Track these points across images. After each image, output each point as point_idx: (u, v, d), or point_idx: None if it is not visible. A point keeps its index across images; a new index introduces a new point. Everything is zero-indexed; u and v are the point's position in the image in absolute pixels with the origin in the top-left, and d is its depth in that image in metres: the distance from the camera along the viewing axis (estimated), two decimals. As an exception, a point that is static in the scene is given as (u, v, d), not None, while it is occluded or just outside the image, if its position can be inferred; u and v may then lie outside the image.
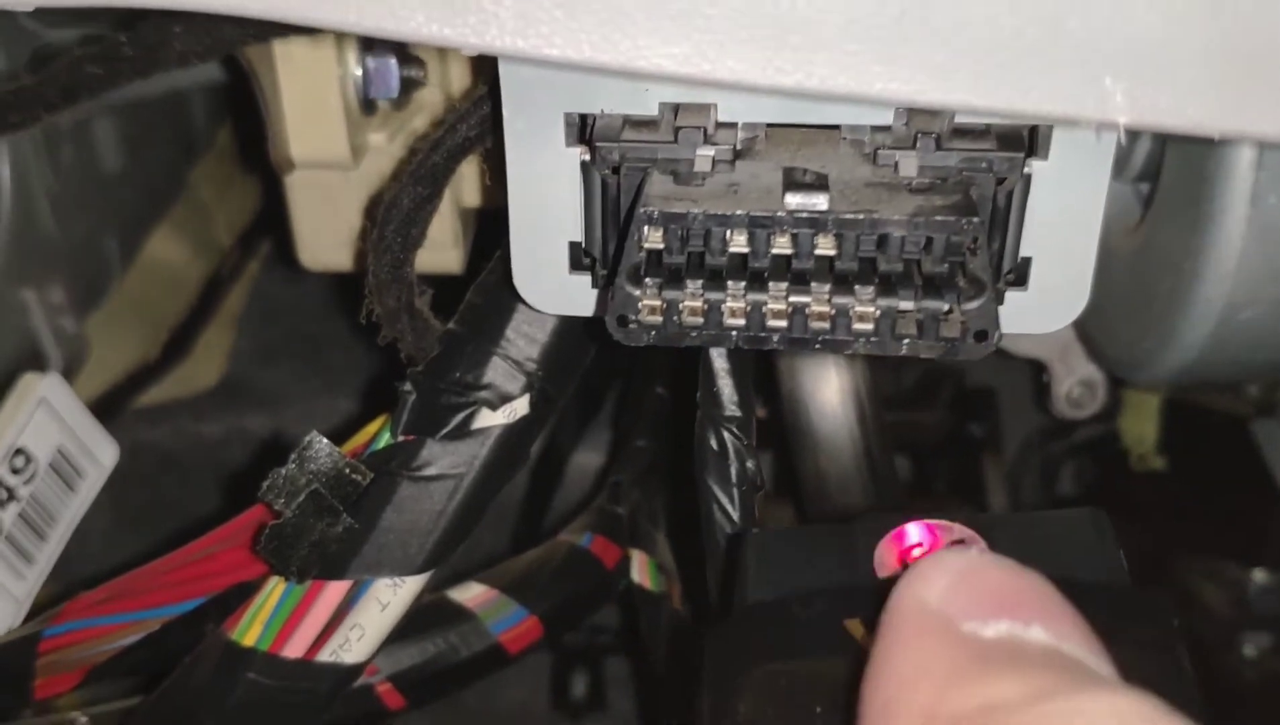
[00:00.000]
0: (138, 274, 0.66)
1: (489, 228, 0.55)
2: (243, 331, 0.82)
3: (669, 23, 0.25)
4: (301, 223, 0.52)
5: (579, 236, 0.36)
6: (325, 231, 0.52)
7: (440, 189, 0.40)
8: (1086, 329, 0.53)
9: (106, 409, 0.64)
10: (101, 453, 0.53)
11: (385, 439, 0.40)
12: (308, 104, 0.47)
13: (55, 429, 0.50)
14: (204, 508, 0.73)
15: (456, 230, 0.53)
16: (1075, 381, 0.63)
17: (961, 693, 0.25)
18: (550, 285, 0.37)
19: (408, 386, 0.40)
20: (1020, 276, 0.35)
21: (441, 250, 0.53)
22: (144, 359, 0.69)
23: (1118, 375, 0.51)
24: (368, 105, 0.49)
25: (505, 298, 0.39)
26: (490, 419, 0.40)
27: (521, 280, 0.37)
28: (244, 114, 0.71)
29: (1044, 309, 0.36)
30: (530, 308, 0.38)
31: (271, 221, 0.78)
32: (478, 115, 0.39)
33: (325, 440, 0.39)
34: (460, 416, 0.40)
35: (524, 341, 0.40)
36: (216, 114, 0.75)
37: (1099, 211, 0.34)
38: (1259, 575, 0.71)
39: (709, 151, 0.33)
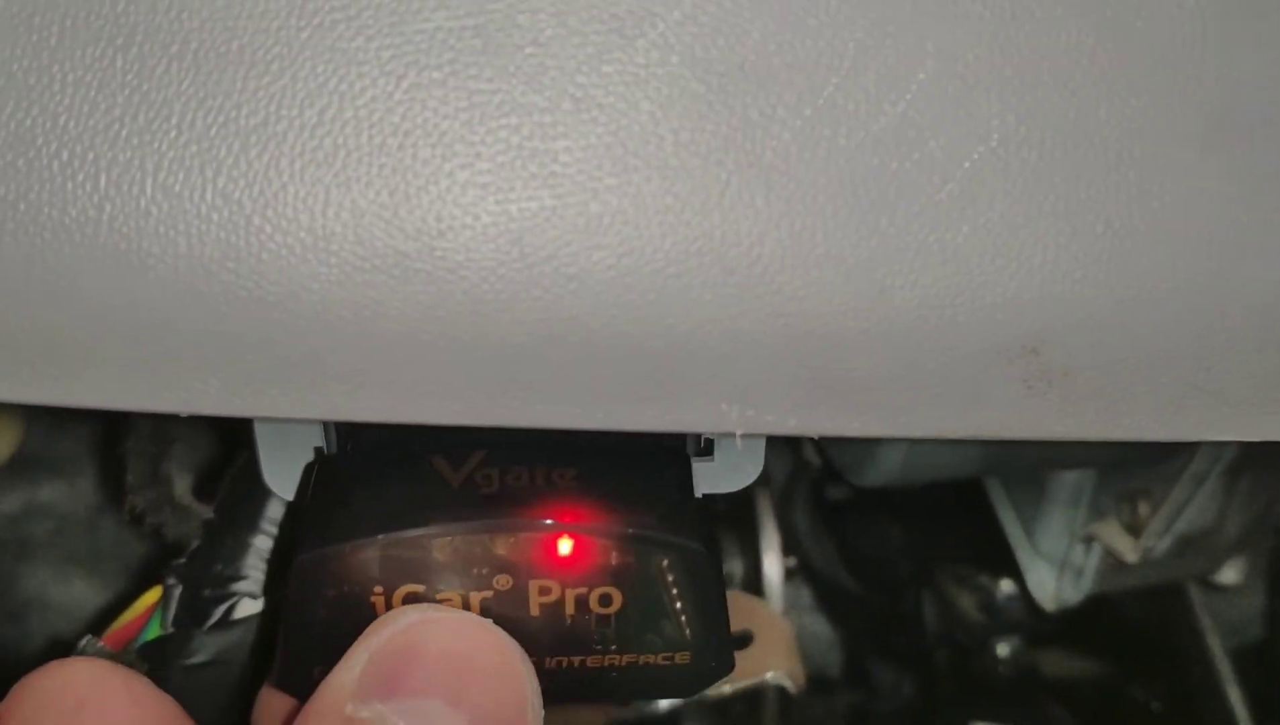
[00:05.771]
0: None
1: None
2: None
3: (373, 389, 0.28)
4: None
5: (321, 442, 0.39)
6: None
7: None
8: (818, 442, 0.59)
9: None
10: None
11: (155, 629, 0.43)
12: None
13: None
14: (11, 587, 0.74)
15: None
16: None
17: None
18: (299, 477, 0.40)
19: (172, 580, 0.43)
20: (708, 450, 0.40)
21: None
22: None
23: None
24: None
25: (258, 489, 0.42)
26: (253, 607, 0.43)
27: (271, 477, 0.40)
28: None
29: (727, 475, 0.40)
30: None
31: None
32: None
33: (99, 642, 0.42)
34: (223, 608, 0.43)
35: (279, 529, 0.43)
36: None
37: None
38: (1005, 585, 0.79)
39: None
